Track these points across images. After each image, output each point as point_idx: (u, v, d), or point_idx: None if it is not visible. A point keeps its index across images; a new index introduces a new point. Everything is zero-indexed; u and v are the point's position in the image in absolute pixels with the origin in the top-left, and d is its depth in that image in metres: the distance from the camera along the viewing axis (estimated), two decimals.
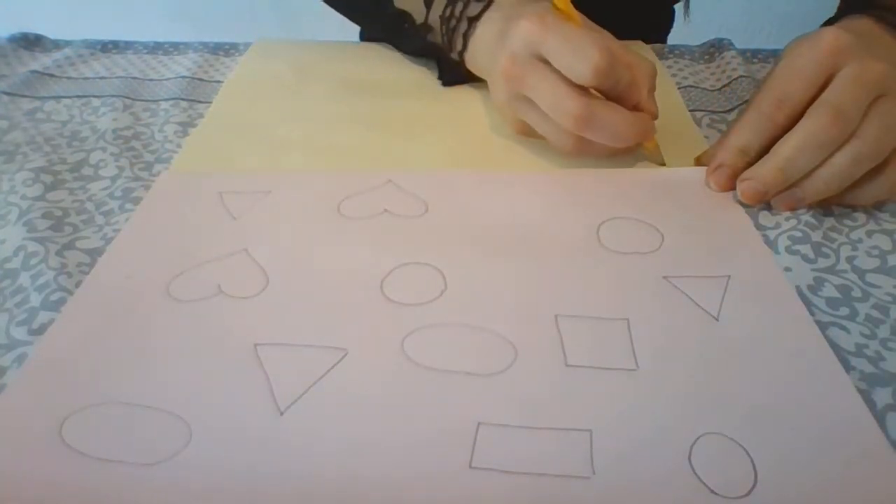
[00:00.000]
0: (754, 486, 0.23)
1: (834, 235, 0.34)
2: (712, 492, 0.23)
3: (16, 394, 0.26)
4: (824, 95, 0.33)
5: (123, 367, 0.27)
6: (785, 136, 0.33)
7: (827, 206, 0.35)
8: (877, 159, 0.33)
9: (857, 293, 0.30)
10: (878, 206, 0.36)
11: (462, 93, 0.47)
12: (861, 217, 0.35)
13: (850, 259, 0.32)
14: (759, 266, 0.32)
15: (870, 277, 0.31)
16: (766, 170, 0.34)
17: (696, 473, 0.23)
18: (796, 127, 0.33)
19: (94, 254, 0.33)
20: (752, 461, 0.23)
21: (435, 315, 0.29)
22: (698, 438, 0.24)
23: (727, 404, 0.25)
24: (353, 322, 0.29)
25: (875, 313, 0.29)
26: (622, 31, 0.40)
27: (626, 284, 0.31)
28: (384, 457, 0.24)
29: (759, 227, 0.34)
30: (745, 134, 0.35)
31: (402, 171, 0.38)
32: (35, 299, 0.30)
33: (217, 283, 0.31)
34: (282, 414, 0.25)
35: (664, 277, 0.31)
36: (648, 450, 0.24)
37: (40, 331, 0.28)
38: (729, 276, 0.31)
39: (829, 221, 0.35)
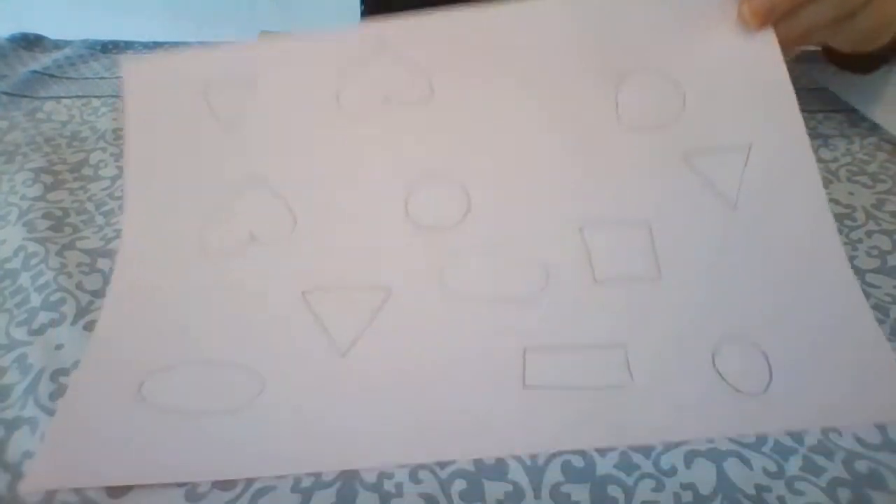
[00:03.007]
0: (770, 382, 0.26)
1: None
2: (736, 389, 0.25)
3: (92, 360, 0.27)
4: None
5: (187, 328, 0.28)
6: None
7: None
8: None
9: None
10: (878, 205, 0.36)
11: None
12: (861, 217, 0.35)
13: (850, 259, 0.32)
14: (784, 124, 0.31)
15: (870, 277, 0.31)
16: None
17: (720, 374, 0.26)
18: None
19: (94, 254, 0.33)
20: (767, 360, 0.26)
21: (465, 239, 0.30)
22: (720, 341, 0.27)
23: (744, 307, 0.28)
24: (389, 257, 0.30)
25: (875, 313, 0.29)
26: None
27: (646, 175, 0.31)
28: (443, 387, 0.26)
29: None
30: None
31: (393, 27, 0.34)
32: (35, 299, 0.30)
33: (247, 229, 0.31)
34: (343, 356, 0.27)
35: (684, 158, 0.31)
36: (677, 356, 0.26)
37: (40, 331, 0.28)
38: (750, 146, 0.31)
39: None
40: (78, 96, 0.47)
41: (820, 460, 0.24)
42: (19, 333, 0.28)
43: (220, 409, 0.25)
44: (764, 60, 0.32)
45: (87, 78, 0.50)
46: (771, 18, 0.33)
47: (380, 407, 0.25)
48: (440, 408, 0.25)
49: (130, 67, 0.34)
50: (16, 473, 0.23)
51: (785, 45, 0.33)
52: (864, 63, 0.43)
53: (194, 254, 0.30)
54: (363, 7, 0.70)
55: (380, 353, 0.27)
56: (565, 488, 0.23)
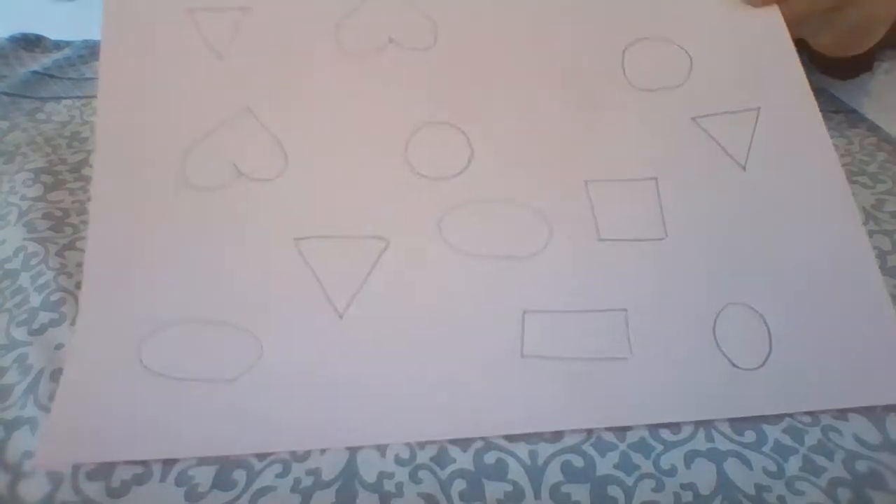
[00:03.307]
0: (769, 355, 0.25)
1: None
2: (733, 364, 0.25)
3: (87, 323, 0.26)
4: None
5: (178, 281, 0.27)
6: None
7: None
8: None
9: None
10: (878, 205, 0.36)
11: None
12: (861, 217, 0.35)
13: None
14: (791, 91, 0.31)
15: None
16: None
17: (719, 346, 0.25)
18: None
19: None
20: (768, 330, 0.26)
21: (466, 190, 0.29)
22: (722, 309, 0.26)
23: (748, 273, 0.27)
24: (386, 205, 0.28)
25: None
26: None
27: (654, 133, 0.30)
28: (441, 352, 0.25)
29: None
30: None
31: None
32: (35, 300, 0.30)
33: (232, 161, 0.29)
34: (341, 317, 0.26)
35: (692, 119, 0.30)
36: (677, 325, 0.26)
37: (40, 331, 0.28)
38: (759, 109, 0.31)
39: None
40: (78, 96, 0.47)
41: (820, 460, 0.24)
42: (19, 333, 0.28)
43: (220, 377, 0.25)
44: (769, 31, 0.33)
45: (87, 78, 0.50)
46: None
47: (380, 380, 0.25)
48: (440, 382, 0.25)
49: None
50: (16, 473, 0.23)
51: None
52: (845, 68, 0.44)
53: (174, 188, 0.28)
54: None
55: (377, 315, 0.26)
56: (565, 488, 0.23)
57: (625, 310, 0.26)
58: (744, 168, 0.29)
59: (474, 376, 0.25)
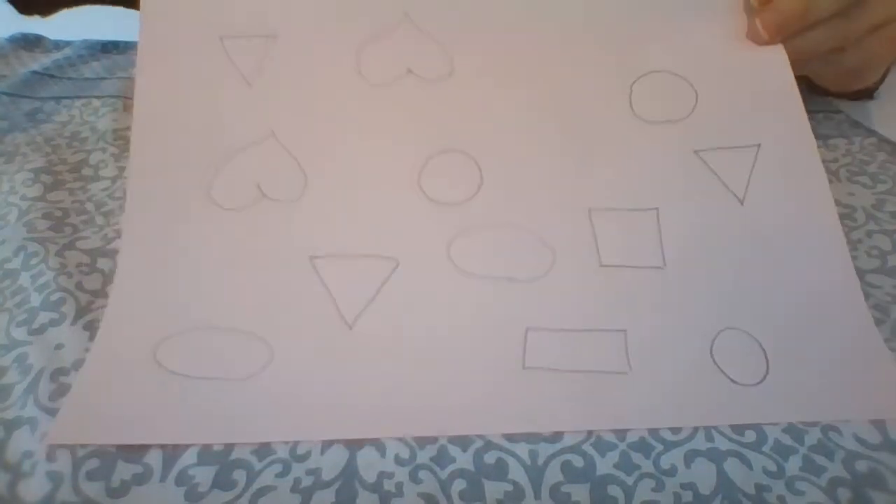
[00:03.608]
0: (766, 374, 0.26)
1: None
2: (732, 380, 0.26)
3: (109, 326, 0.28)
4: None
5: (198, 294, 0.28)
6: None
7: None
8: (861, 31, 0.34)
9: None
10: (878, 205, 0.36)
11: None
12: (861, 217, 0.35)
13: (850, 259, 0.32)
14: (791, 130, 0.32)
15: (870, 277, 0.31)
16: (791, 2, 0.34)
17: (717, 365, 0.26)
18: None
19: (94, 254, 0.33)
20: (765, 353, 0.26)
21: (475, 215, 0.30)
22: (719, 333, 0.27)
23: (744, 301, 0.28)
24: (399, 228, 0.30)
25: (875, 313, 0.29)
26: None
27: (657, 164, 0.31)
28: (446, 365, 0.26)
29: None
30: None
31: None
32: (35, 299, 0.30)
33: (256, 182, 0.31)
34: (350, 328, 0.27)
35: (695, 152, 0.31)
36: (675, 346, 0.27)
37: (40, 331, 0.28)
38: (759, 146, 0.31)
39: None
40: (78, 96, 0.47)
41: (820, 460, 0.24)
42: (19, 333, 0.28)
43: (231, 377, 0.26)
44: (773, 68, 0.34)
45: (87, 78, 0.50)
46: (781, 35, 0.34)
47: (383, 381, 0.26)
48: (442, 384, 0.26)
49: (149, 2, 0.34)
50: (16, 473, 0.24)
51: None
52: (846, 97, 0.45)
53: (202, 207, 0.30)
54: None
55: (385, 328, 0.27)
56: (565, 488, 0.23)
57: (624, 331, 0.27)
58: (742, 202, 0.30)
59: (476, 382, 0.26)
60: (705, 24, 0.35)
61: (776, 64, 0.34)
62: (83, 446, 0.24)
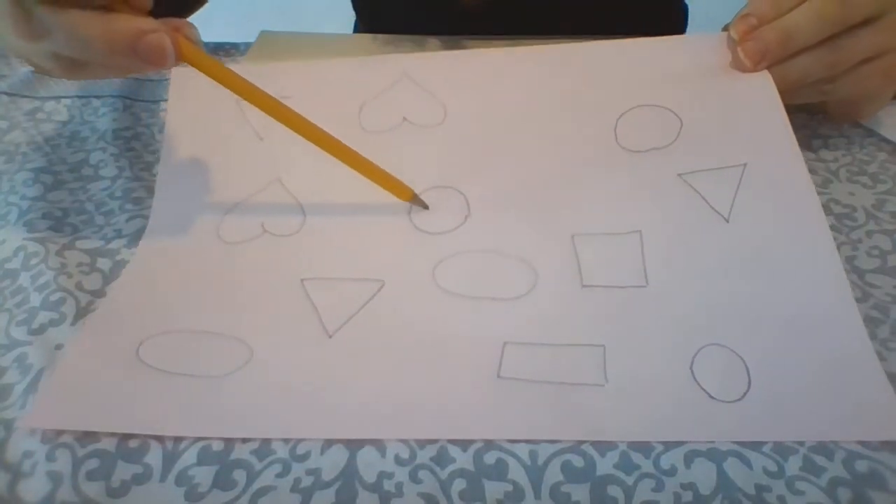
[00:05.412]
0: (747, 391, 0.25)
1: (834, 235, 0.34)
2: (710, 397, 0.25)
3: (96, 320, 0.29)
4: None
5: (188, 303, 0.30)
6: (798, 8, 0.34)
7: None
8: (850, 62, 0.34)
9: (857, 293, 0.30)
10: (878, 205, 0.36)
11: None
12: (861, 217, 0.35)
13: (850, 259, 0.32)
14: (778, 150, 0.32)
15: (870, 277, 0.31)
16: (771, 32, 0.34)
17: (696, 380, 0.26)
18: (809, 2, 0.33)
19: (94, 254, 0.33)
20: (747, 370, 0.26)
21: (461, 243, 0.32)
22: (700, 349, 0.27)
23: (729, 317, 0.28)
24: (387, 254, 0.31)
25: (875, 313, 0.29)
26: (632, 30, 0.40)
27: (641, 190, 0.32)
28: (421, 373, 0.27)
29: None
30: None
31: (414, 60, 0.39)
32: (35, 299, 0.30)
33: (260, 221, 0.33)
34: (330, 337, 0.28)
35: (678, 175, 0.32)
36: (655, 361, 0.26)
37: (40, 331, 0.28)
38: (745, 165, 0.32)
39: (829, 221, 0.35)
40: (78, 96, 0.47)
41: (820, 460, 0.24)
42: (19, 333, 0.28)
43: (209, 374, 0.27)
44: (757, 89, 0.34)
45: None
46: (764, 63, 0.35)
47: (359, 384, 0.26)
48: (416, 389, 0.26)
49: (178, 72, 0.39)
50: (16, 473, 0.24)
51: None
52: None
53: (210, 242, 0.33)
54: (356, 15, 0.70)
55: (364, 337, 0.28)
56: (565, 488, 0.23)
57: (602, 346, 0.27)
58: (727, 220, 0.30)
59: (450, 388, 0.26)
60: (689, 58, 0.36)
61: (761, 85, 0.34)
62: (83, 446, 0.24)
